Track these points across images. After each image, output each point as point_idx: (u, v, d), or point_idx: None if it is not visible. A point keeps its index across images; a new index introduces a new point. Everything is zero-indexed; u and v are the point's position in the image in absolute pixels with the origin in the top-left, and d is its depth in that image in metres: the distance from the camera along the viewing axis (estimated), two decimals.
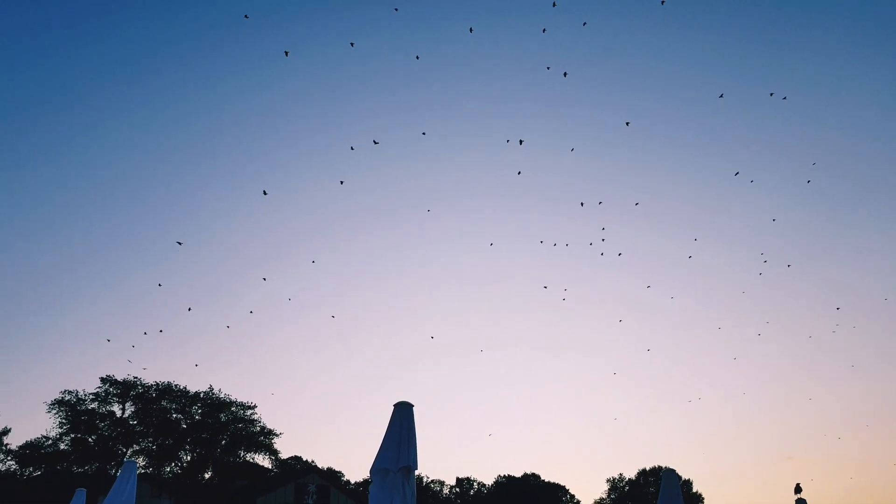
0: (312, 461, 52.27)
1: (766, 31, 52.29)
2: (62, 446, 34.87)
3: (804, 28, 53.47)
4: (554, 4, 18.37)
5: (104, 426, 36.47)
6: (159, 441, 37.80)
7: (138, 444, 37.42)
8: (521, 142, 22.40)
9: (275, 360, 60.06)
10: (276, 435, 39.61)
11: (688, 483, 62.96)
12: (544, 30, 31.47)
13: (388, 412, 9.46)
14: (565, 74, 22.61)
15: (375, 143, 23.02)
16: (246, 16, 39.66)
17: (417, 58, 25.03)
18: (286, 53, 22.29)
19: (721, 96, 37.17)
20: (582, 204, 43.45)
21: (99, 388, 36.97)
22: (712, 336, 68.06)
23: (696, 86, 50.80)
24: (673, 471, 15.53)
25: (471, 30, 23.52)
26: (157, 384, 38.13)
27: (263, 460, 39.80)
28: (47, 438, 34.92)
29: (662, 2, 21.00)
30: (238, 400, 39.57)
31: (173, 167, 54.97)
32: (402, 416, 9.26)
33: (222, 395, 39.20)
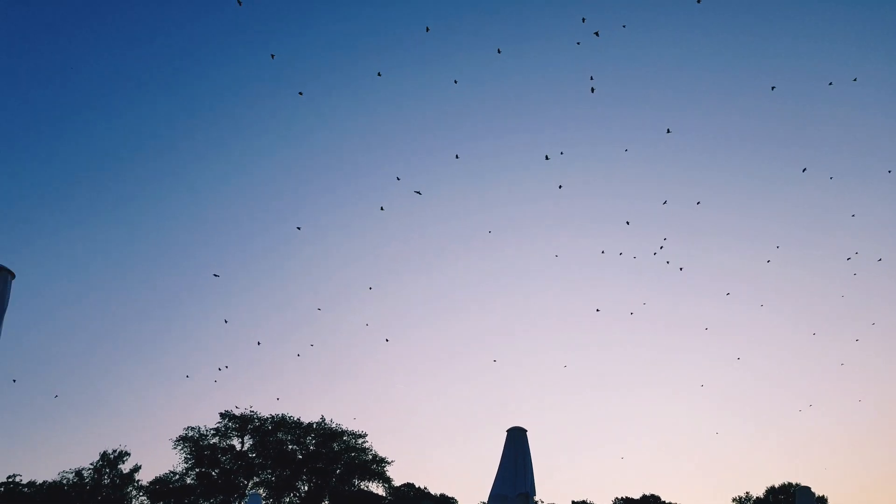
0: (425, 488, 52.16)
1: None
2: (188, 480, 36.52)
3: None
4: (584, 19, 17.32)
5: (226, 460, 37.92)
6: (277, 472, 38.86)
7: (258, 475, 38.62)
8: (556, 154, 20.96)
9: (380, 385, 60.79)
10: (388, 462, 39.84)
11: (822, 501, 58.04)
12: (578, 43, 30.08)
13: (502, 436, 9.09)
14: (592, 90, 20.98)
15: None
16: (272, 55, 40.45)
17: (455, 82, 24.55)
18: (300, 94, 22.48)
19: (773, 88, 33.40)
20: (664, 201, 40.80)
21: (219, 423, 38.60)
22: (807, 342, 62.33)
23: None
24: (807, 489, 14.10)
25: (499, 51, 23.08)
26: (272, 417, 39.35)
27: (377, 488, 40.08)
28: (175, 473, 36.70)
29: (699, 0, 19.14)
30: (349, 429, 40.23)
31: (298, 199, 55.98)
32: (516, 441, 8.85)
33: (333, 425, 39.96)
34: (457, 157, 25.52)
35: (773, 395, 59.18)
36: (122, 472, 35.11)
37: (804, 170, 26.91)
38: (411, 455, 60.99)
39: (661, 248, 22.81)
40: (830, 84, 27.20)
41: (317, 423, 39.97)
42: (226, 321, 40.57)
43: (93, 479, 34.30)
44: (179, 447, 37.29)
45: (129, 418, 48.65)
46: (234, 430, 38.79)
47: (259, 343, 38.97)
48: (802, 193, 51.16)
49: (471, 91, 48.88)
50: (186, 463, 37.03)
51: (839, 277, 48.61)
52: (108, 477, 34.54)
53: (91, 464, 34.90)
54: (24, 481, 33.89)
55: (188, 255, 54.72)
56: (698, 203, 29.95)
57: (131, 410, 49.38)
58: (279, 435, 39.47)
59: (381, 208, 23.26)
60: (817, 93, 44.16)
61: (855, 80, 26.21)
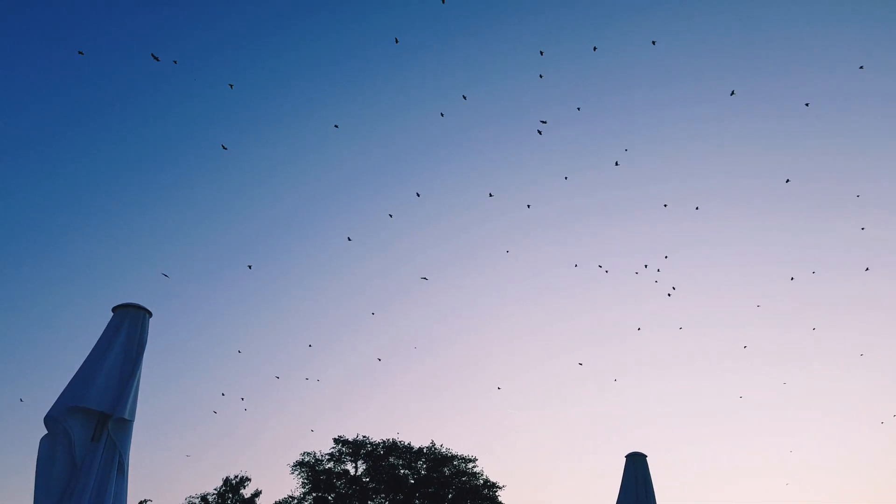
0: None
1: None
2: None
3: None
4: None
5: (340, 485, 38.36)
6: (391, 497, 38.87)
7: (372, 500, 38.78)
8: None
9: (492, 410, 60.02)
10: (500, 487, 38.95)
11: None
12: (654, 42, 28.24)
13: (620, 462, 8.25)
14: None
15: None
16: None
17: (464, 97, 23.59)
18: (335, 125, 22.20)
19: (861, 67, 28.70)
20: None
21: (333, 448, 39.18)
22: None
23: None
24: None
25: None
26: (384, 441, 39.53)
27: None
28: (293, 498, 37.48)
29: None
30: (459, 453, 39.74)
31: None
32: (636, 467, 7.94)
33: (444, 450, 39.61)
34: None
35: None
36: (243, 496, 36.25)
37: None
38: (523, 480, 59.58)
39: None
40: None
41: (427, 447, 39.78)
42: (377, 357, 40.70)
43: (217, 503, 35.64)
44: (297, 472, 38.15)
45: (249, 443, 50.48)
46: (347, 454, 39.23)
47: (379, 359, 39.23)
48: None
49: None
50: (304, 488, 37.77)
51: None
52: (231, 502, 35.76)
53: (215, 489, 36.31)
54: None
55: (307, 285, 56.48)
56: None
57: (250, 435, 51.27)
58: (391, 460, 39.56)
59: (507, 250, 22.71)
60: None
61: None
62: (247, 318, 53.51)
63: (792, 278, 22.66)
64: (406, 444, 39.78)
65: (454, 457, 39.33)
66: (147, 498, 34.98)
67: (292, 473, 38.14)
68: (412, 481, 39.35)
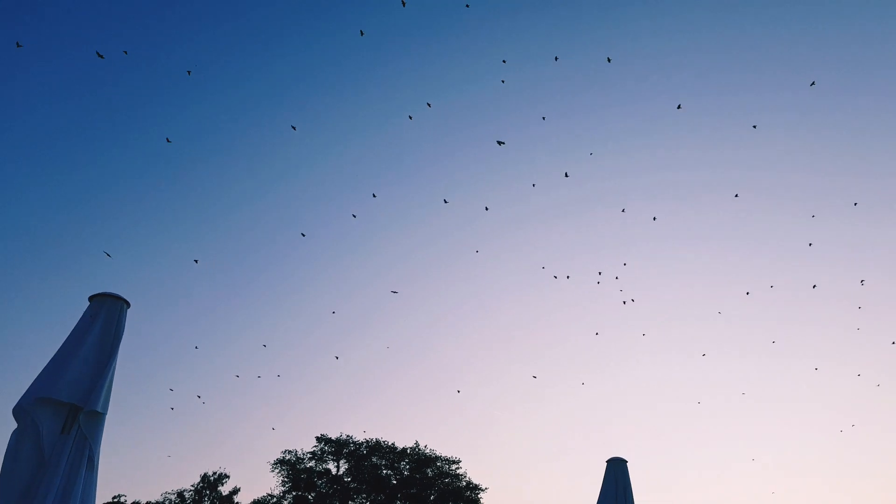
0: None
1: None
2: (285, 503, 36.95)
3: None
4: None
5: (321, 484, 38.12)
6: (372, 497, 38.69)
7: (353, 500, 38.57)
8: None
9: (477, 414, 59.91)
10: (482, 490, 38.91)
11: None
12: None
13: (601, 468, 8.20)
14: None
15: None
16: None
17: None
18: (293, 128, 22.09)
19: None
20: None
21: (315, 446, 38.95)
22: None
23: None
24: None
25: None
26: (368, 441, 39.36)
27: None
28: (272, 496, 37.19)
29: None
30: (442, 455, 39.64)
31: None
32: (617, 473, 7.90)
33: (428, 451, 39.49)
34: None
35: None
36: (221, 493, 35.90)
37: None
38: (506, 482, 59.54)
39: None
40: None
41: (410, 447, 39.64)
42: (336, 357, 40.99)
43: (193, 500, 35.26)
44: (277, 470, 37.86)
45: (227, 440, 50.06)
46: (329, 454, 39.01)
47: (337, 357, 39.15)
48: None
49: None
50: (283, 486, 37.50)
51: None
52: (209, 499, 35.39)
53: (192, 485, 35.94)
54: (129, 501, 35.32)
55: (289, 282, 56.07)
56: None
57: (229, 432, 50.83)
58: (374, 460, 39.38)
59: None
60: None
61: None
62: (233, 315, 53.13)
63: (748, 293, 22.92)
64: (389, 444, 39.59)
65: (438, 458, 39.22)
66: (121, 493, 34.61)
67: (272, 471, 37.81)
68: (394, 482, 39.18)
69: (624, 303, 21.39)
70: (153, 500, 35.36)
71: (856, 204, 27.47)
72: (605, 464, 7.68)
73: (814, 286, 21.32)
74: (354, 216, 21.53)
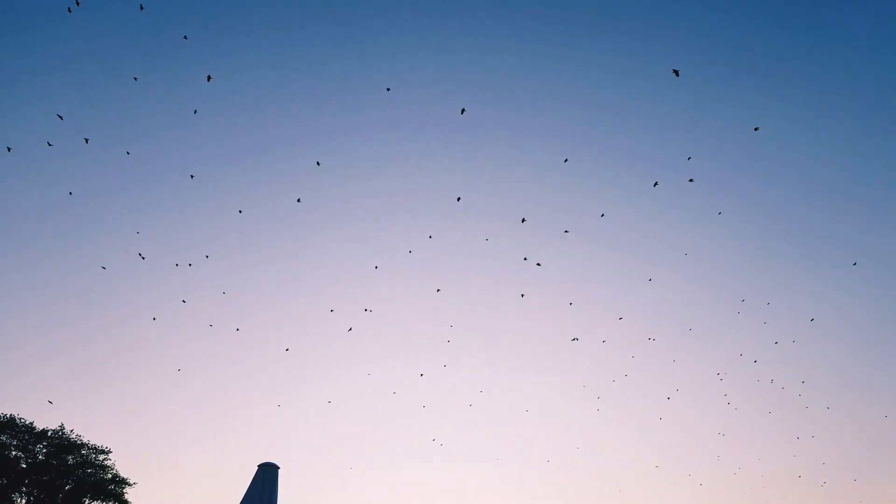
0: None
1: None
2: None
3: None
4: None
5: None
6: None
7: None
8: None
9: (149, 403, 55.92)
10: (130, 485, 36.32)
11: None
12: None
13: (251, 473, 8.82)
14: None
15: None
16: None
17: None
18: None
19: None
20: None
21: None
22: None
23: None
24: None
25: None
26: (2, 417, 34.27)
27: None
28: None
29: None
30: (91, 443, 36.16)
31: None
32: (266, 478, 8.65)
33: (73, 436, 35.72)
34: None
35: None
36: None
37: None
38: (161, 480, 56.47)
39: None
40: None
41: (52, 430, 35.51)
42: None
43: None
44: None
45: None
46: None
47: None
48: None
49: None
50: None
51: None
52: None
53: None
54: None
55: None
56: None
57: None
58: (3, 438, 34.38)
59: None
60: None
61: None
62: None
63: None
64: (28, 423, 35.04)
65: (84, 445, 35.78)
66: None
67: None
68: (24, 466, 34.69)
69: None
70: None
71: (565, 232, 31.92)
72: (256, 468, 8.42)
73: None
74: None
